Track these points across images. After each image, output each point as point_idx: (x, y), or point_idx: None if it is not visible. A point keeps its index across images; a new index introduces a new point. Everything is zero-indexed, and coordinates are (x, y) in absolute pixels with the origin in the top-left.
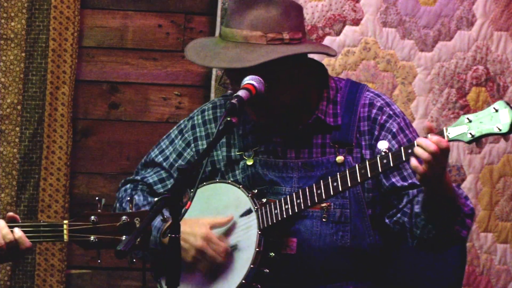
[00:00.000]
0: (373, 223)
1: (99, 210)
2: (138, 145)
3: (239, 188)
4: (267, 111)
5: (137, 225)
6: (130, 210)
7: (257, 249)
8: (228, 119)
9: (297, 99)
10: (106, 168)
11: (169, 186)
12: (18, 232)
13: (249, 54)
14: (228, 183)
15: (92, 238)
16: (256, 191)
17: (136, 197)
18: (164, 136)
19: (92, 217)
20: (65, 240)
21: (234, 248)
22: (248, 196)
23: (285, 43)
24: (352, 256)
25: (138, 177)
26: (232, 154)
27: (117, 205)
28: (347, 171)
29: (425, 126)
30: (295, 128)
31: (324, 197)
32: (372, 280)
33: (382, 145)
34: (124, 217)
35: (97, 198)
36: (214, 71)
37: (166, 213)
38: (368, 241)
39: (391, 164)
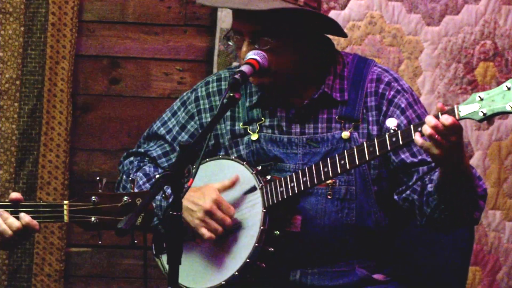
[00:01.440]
0: (379, 200)
1: (100, 190)
2: (139, 121)
3: (243, 164)
4: (270, 79)
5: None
6: (132, 190)
7: (261, 227)
8: (231, 94)
9: (300, 68)
10: (107, 144)
11: (173, 160)
12: (24, 218)
13: (261, 1)
14: (232, 159)
15: (93, 219)
16: (260, 167)
17: (146, 168)
18: (167, 109)
19: (93, 197)
20: (65, 221)
21: (238, 226)
22: (252, 173)
23: (299, 5)
24: (357, 234)
25: (142, 150)
26: (237, 128)
27: (123, 179)
28: (355, 149)
29: (437, 107)
30: (300, 102)
31: (331, 175)
32: (377, 259)
33: (391, 122)
34: (125, 198)
35: (98, 178)
36: (217, 46)
37: (168, 191)
38: (373, 219)
39: (401, 142)
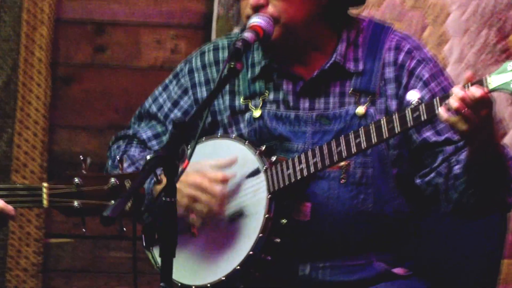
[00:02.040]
0: (399, 185)
1: (83, 171)
2: (127, 94)
3: (244, 144)
4: (279, 31)
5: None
6: (120, 171)
7: (266, 216)
8: (232, 65)
9: (310, 27)
10: (91, 121)
11: (166, 142)
12: None
13: None
14: (232, 138)
15: (75, 203)
16: (264, 148)
17: (131, 150)
18: (160, 84)
19: (76, 179)
20: (44, 206)
21: (239, 214)
22: (255, 154)
23: None
24: (375, 223)
25: (131, 132)
26: (237, 103)
27: (109, 164)
28: (372, 125)
29: (465, 77)
30: (309, 74)
31: (345, 155)
32: (397, 251)
33: (412, 95)
34: (113, 180)
35: (81, 156)
36: (215, 10)
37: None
38: (392, 206)
39: (424, 118)
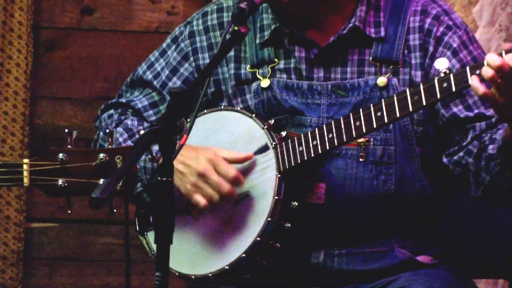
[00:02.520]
0: (424, 164)
1: (69, 146)
2: (118, 62)
3: (251, 117)
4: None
5: (119, 165)
6: (110, 145)
7: (275, 198)
8: (236, 28)
9: None
10: (77, 91)
11: (163, 112)
12: None
13: None
14: (237, 111)
15: (60, 182)
16: (273, 121)
17: (128, 121)
18: (156, 49)
19: (61, 154)
20: (25, 185)
21: (245, 195)
22: (263, 128)
23: None
24: (397, 206)
25: (123, 100)
26: (242, 71)
27: (100, 137)
28: (395, 98)
29: (503, 47)
30: (324, 40)
31: (364, 130)
32: (421, 237)
33: (441, 63)
34: (102, 155)
35: (66, 130)
36: None
37: (155, 148)
38: (417, 187)
39: (453, 89)
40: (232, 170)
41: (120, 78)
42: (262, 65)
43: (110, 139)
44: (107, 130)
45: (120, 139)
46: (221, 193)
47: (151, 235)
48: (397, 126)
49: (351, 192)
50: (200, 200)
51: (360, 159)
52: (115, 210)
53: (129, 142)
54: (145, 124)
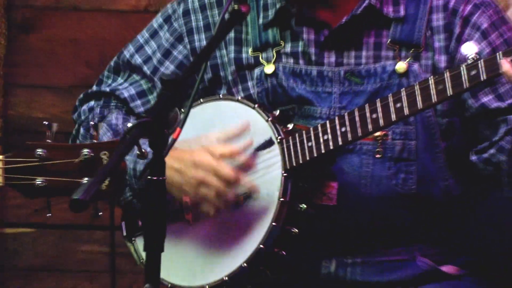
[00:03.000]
0: (449, 161)
1: (48, 140)
2: (102, 45)
3: (254, 108)
4: None
5: (105, 162)
6: (95, 140)
7: (281, 199)
8: (235, 7)
9: None
10: (57, 78)
11: (152, 102)
12: None
13: None
14: (238, 100)
15: (38, 181)
16: (278, 112)
17: (112, 116)
18: (145, 29)
19: (39, 150)
20: None
21: (247, 197)
22: (267, 120)
23: None
24: (418, 209)
25: (107, 89)
26: (244, 55)
27: (81, 133)
28: (417, 87)
29: None
30: (336, 20)
31: (381, 124)
32: (446, 244)
33: (469, 48)
34: (86, 151)
35: (45, 122)
36: None
37: (145, 146)
38: (441, 187)
39: (483, 78)
40: (226, 147)
41: (104, 63)
42: (266, 49)
43: (95, 132)
44: (92, 123)
45: (105, 138)
46: (224, 176)
47: (139, 242)
48: (419, 117)
49: (367, 193)
50: (205, 193)
51: (377, 155)
52: (100, 213)
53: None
54: (131, 119)
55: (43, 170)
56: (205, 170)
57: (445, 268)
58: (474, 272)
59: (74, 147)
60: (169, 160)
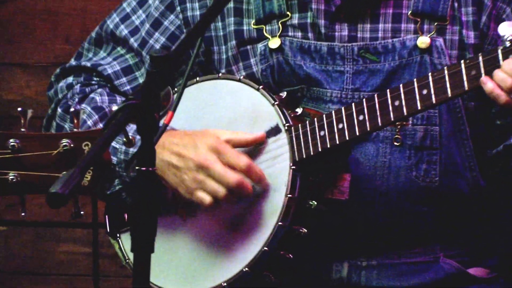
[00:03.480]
0: (477, 150)
1: (22, 129)
2: (84, 17)
3: (257, 90)
4: None
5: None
6: (76, 129)
7: (289, 195)
8: None
9: None
10: (31, 55)
11: (141, 80)
12: None
13: None
14: (239, 80)
15: (11, 175)
16: (285, 94)
17: (96, 96)
18: None
19: (11, 140)
20: None
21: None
22: (273, 104)
23: None
24: (442, 204)
25: (88, 64)
26: (245, 28)
27: (57, 112)
28: (446, 72)
29: None
30: None
31: (405, 113)
32: (474, 245)
33: (505, 29)
34: (65, 141)
35: (19, 108)
36: None
37: (133, 131)
38: (468, 179)
39: None
40: (243, 159)
41: (84, 37)
42: (271, 20)
43: (75, 120)
44: (72, 109)
45: (89, 122)
46: (230, 187)
47: (125, 239)
48: None
49: (384, 186)
50: (203, 196)
51: (395, 143)
52: (81, 213)
53: (101, 125)
54: (118, 99)
55: (17, 164)
56: (209, 152)
57: (473, 271)
58: (506, 275)
59: (51, 137)
60: (166, 153)
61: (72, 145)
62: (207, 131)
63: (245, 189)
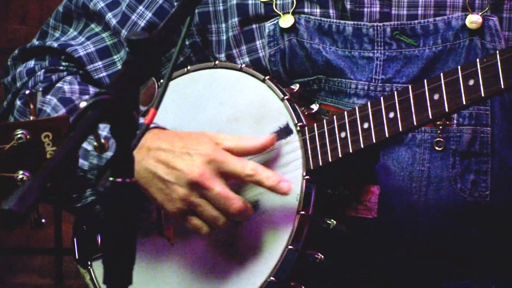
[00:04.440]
0: None
1: (32, 116)
2: None
3: (263, 81)
4: None
5: (49, 152)
6: (33, 116)
7: (301, 212)
8: None
9: None
10: None
11: (119, 65)
12: None
13: None
14: (241, 70)
15: None
16: (298, 87)
17: (64, 85)
18: None
19: None
20: None
21: (254, 207)
22: (282, 98)
23: None
24: (494, 224)
25: (54, 44)
26: (251, 2)
27: (15, 105)
28: (498, 57)
29: None
30: None
31: (446, 109)
32: None
33: None
34: (20, 132)
35: (27, 91)
36: None
37: (105, 132)
38: None
39: None
40: (248, 165)
41: (46, 17)
42: None
43: (32, 106)
44: (27, 92)
45: (52, 115)
46: (231, 213)
47: (98, 267)
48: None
49: (421, 201)
50: (199, 226)
51: (436, 148)
52: (43, 220)
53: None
54: (91, 89)
55: None
56: (205, 166)
57: None
58: None
59: (3, 127)
60: (151, 160)
61: (28, 137)
62: (204, 135)
63: (249, 213)
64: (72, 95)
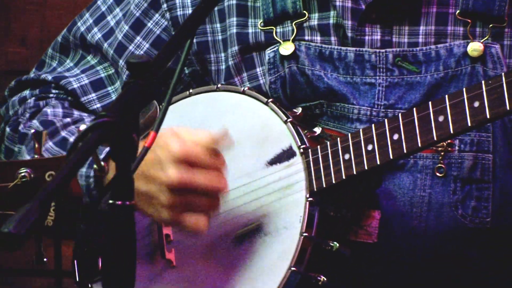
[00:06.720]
0: None
1: (36, 156)
2: (43, 14)
3: (266, 104)
4: None
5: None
6: (37, 155)
7: (304, 234)
8: None
9: None
10: None
11: (113, 97)
12: None
13: None
14: (244, 92)
15: None
16: (300, 111)
17: (48, 109)
18: None
19: None
20: None
21: (255, 229)
22: (285, 121)
23: None
24: (495, 250)
25: (49, 77)
26: (251, 30)
27: (5, 132)
28: (504, 79)
29: None
30: None
31: (451, 131)
32: None
33: None
34: (24, 170)
35: (32, 130)
36: None
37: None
38: None
39: None
40: (205, 137)
41: (46, 41)
42: (283, 21)
43: (37, 145)
44: (33, 131)
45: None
46: (222, 188)
47: None
48: (498, 121)
49: (421, 226)
50: (197, 220)
51: (438, 174)
52: (45, 259)
53: (49, 145)
54: (76, 113)
55: None
56: (176, 167)
57: None
58: None
59: (7, 165)
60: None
61: (32, 176)
62: (164, 135)
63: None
64: (54, 118)
